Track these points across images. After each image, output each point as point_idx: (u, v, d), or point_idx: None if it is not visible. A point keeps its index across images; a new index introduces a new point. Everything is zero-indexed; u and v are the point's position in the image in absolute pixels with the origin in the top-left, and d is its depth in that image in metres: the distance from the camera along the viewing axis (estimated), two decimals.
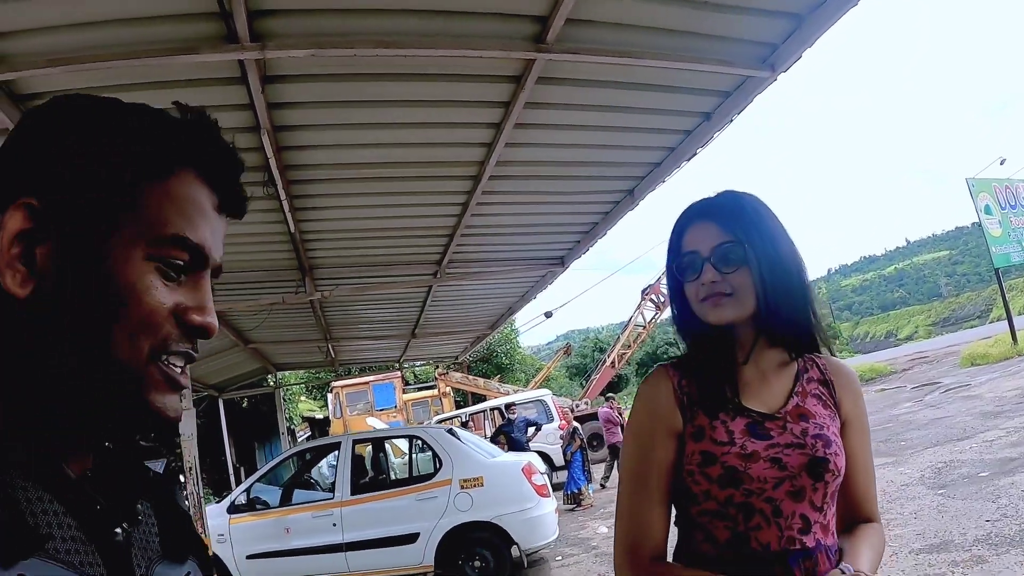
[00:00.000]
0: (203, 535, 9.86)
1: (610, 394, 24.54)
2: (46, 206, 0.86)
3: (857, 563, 1.81)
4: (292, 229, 8.39)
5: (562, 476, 17.96)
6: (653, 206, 9.28)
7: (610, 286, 28.97)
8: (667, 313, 37.37)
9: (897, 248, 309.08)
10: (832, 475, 1.85)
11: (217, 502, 12.07)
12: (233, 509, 10.96)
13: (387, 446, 14.39)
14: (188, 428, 9.96)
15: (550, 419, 22.90)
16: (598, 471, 20.19)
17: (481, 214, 8.97)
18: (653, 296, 35.05)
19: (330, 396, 35.64)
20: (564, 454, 17.63)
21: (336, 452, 11.66)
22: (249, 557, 10.62)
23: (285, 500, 11.18)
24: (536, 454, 13.78)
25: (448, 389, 34.16)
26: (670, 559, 1.97)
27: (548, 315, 29.07)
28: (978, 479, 10.35)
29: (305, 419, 39.58)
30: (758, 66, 6.03)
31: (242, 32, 4.66)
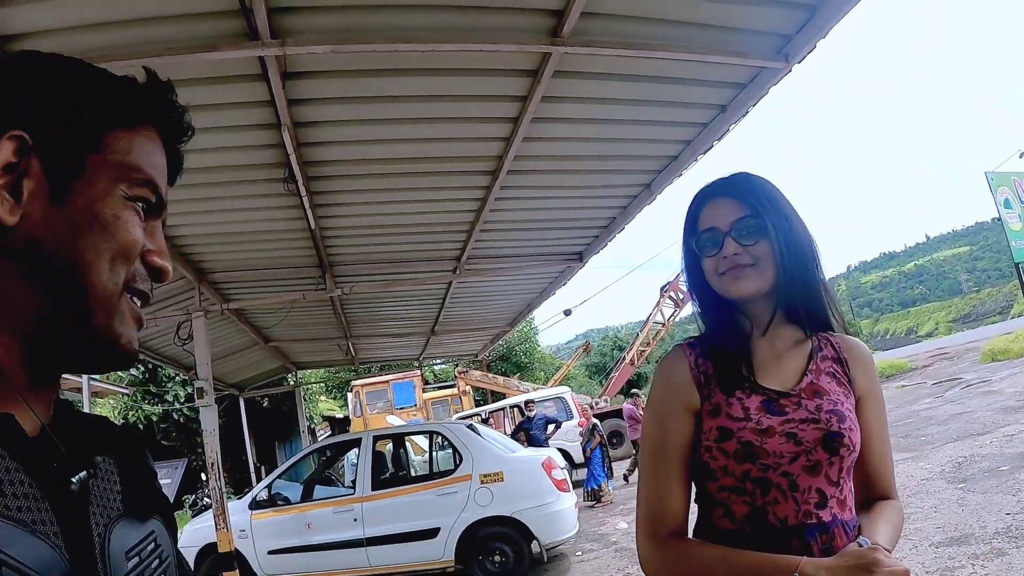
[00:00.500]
0: (226, 531, 9.95)
1: (634, 391, 24.58)
2: (34, 140, 0.90)
3: (874, 537, 1.81)
4: (312, 225, 8.47)
5: (582, 473, 17.93)
6: (670, 203, 9.28)
7: (628, 284, 28.87)
8: (686, 311, 37.43)
9: (917, 244, 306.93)
10: (847, 449, 1.86)
11: (239, 498, 12.12)
12: (255, 505, 11.01)
13: (407, 443, 14.41)
14: (209, 424, 10.02)
15: (570, 416, 22.83)
16: (618, 467, 20.17)
17: (500, 209, 9.02)
18: (672, 293, 34.92)
19: (350, 395, 35.60)
20: (584, 451, 17.56)
21: (357, 448, 11.72)
22: (271, 552, 10.67)
23: (306, 496, 11.23)
24: (556, 451, 13.77)
25: (468, 387, 34.00)
26: (690, 535, 1.98)
27: (567, 313, 29.01)
28: (998, 473, 10.29)
29: (325, 418, 39.64)
30: (773, 57, 6.05)
31: (262, 29, 4.74)
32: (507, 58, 5.67)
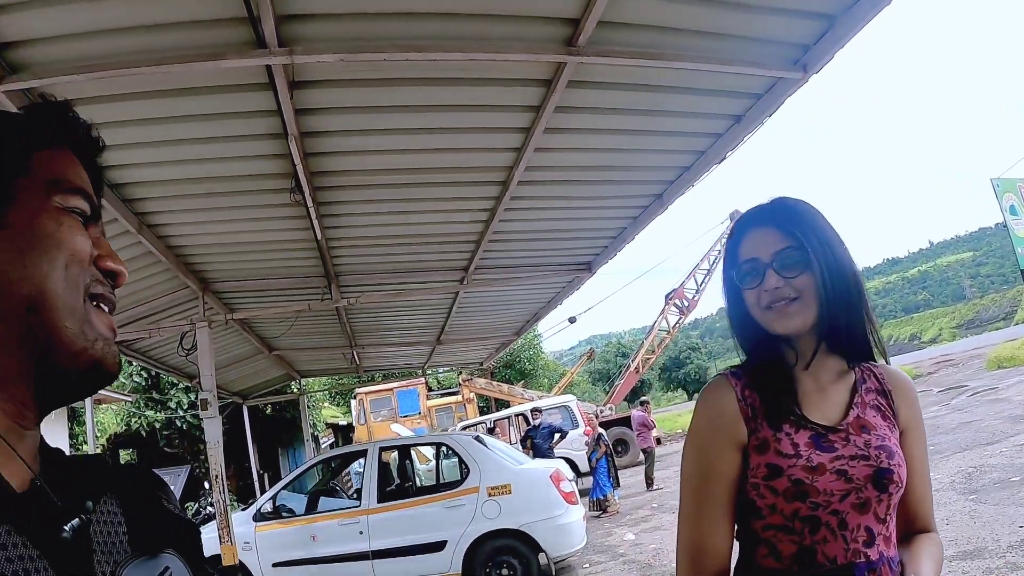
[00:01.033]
0: (230, 544, 9.84)
1: (643, 398, 24.63)
2: None
3: (920, 573, 1.77)
4: (319, 236, 8.35)
5: (587, 482, 17.85)
6: (677, 210, 9.20)
7: (632, 291, 28.93)
8: (690, 318, 37.39)
9: (920, 250, 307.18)
10: (896, 486, 1.81)
11: (243, 509, 12.04)
12: (259, 517, 10.91)
13: (413, 453, 14.32)
14: (213, 436, 9.92)
15: (575, 425, 22.83)
16: (624, 476, 20.12)
17: (509, 220, 8.92)
18: (677, 301, 35.04)
19: (354, 403, 35.62)
20: (589, 460, 17.50)
21: (362, 460, 11.62)
22: (275, 565, 10.56)
23: (311, 508, 11.14)
24: (563, 460, 13.67)
25: (472, 395, 34.04)
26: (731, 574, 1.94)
27: (572, 320, 29.08)
28: (1010, 484, 10.21)
29: (329, 426, 39.60)
30: (789, 67, 5.97)
31: (270, 37, 4.65)
32: (521, 68, 5.58)
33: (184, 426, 26.03)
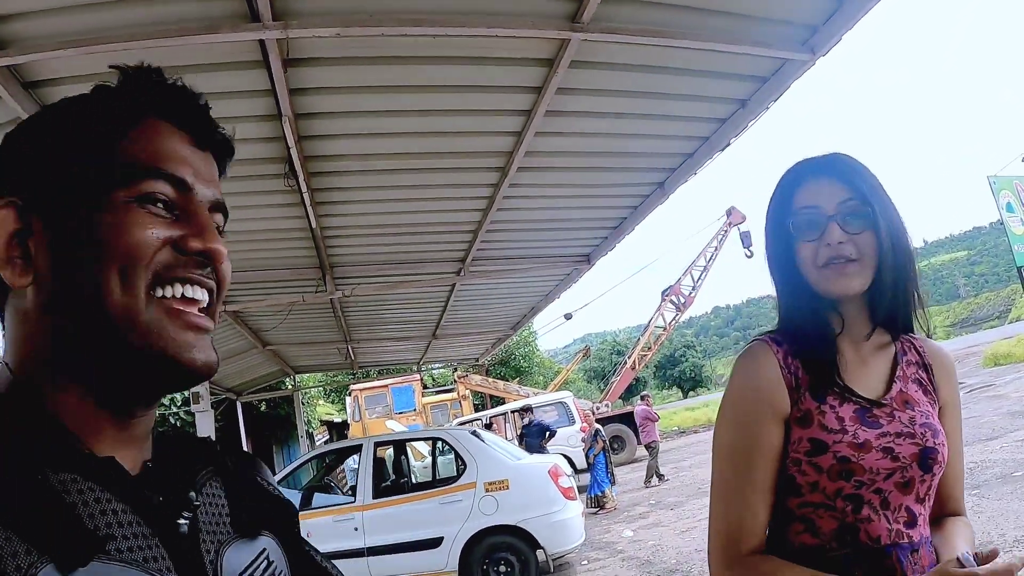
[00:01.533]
0: None
1: (644, 392, 24.77)
2: (28, 200, 0.90)
3: (962, 553, 1.58)
4: (313, 224, 8.23)
5: (583, 479, 17.81)
6: (673, 206, 9.08)
7: (626, 288, 28.94)
8: (687, 315, 37.43)
9: (915, 249, 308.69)
10: (939, 466, 1.72)
11: None
12: None
13: (408, 449, 14.22)
14: (205, 430, 9.79)
15: (571, 421, 22.89)
16: (620, 473, 20.10)
17: (508, 208, 8.79)
18: (674, 297, 35.07)
19: (348, 399, 35.60)
20: (587, 456, 17.52)
21: (357, 455, 11.51)
22: None
23: (305, 504, 10.98)
24: (562, 457, 13.59)
25: (467, 392, 34.03)
26: None
27: (568, 317, 29.03)
28: (1012, 479, 10.25)
29: (323, 422, 39.61)
30: (797, 49, 5.84)
31: (264, 10, 4.50)
32: (522, 46, 5.43)
33: (178, 422, 25.94)
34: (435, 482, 11.48)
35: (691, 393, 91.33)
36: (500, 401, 33.39)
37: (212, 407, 10.02)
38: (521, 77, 5.93)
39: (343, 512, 10.44)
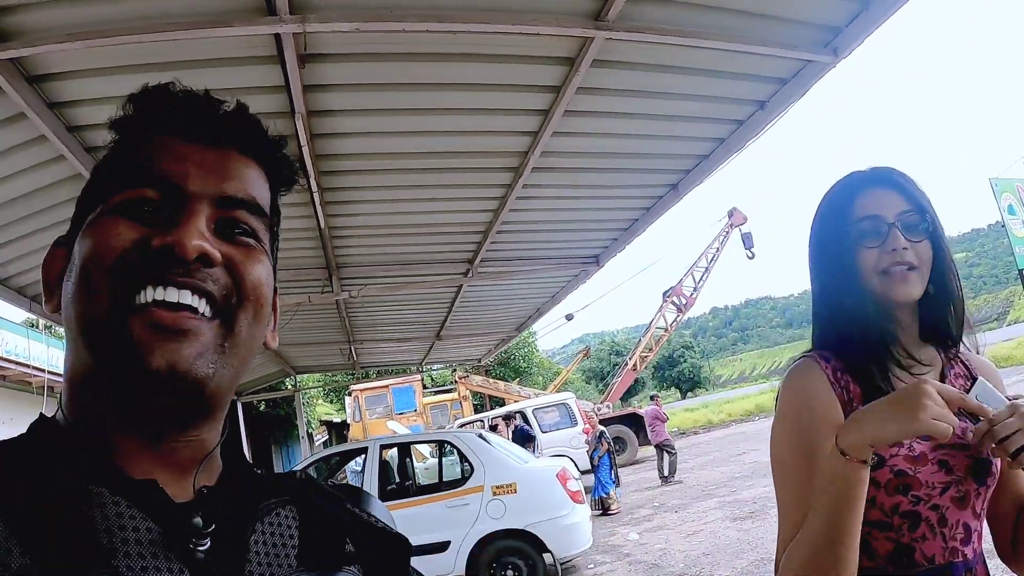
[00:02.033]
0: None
1: (653, 392, 24.90)
2: (68, 241, 0.93)
3: None
4: (322, 224, 8.13)
5: (586, 480, 17.79)
6: (675, 207, 9.00)
7: (625, 289, 28.98)
8: (688, 315, 37.50)
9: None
10: (993, 478, 1.72)
11: None
12: None
13: (413, 451, 14.16)
14: None
15: (574, 423, 22.90)
16: (622, 474, 20.11)
17: (519, 209, 8.69)
18: (675, 299, 35.13)
19: (349, 399, 35.64)
20: (591, 459, 17.50)
21: (360, 458, 11.43)
22: None
23: None
24: (570, 460, 13.53)
25: (467, 392, 34.08)
26: None
27: (569, 317, 28.97)
28: None
29: (323, 423, 39.63)
30: (820, 50, 5.75)
31: (281, 4, 4.37)
32: (544, 44, 5.32)
33: None
34: (441, 485, 11.41)
35: (689, 394, 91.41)
36: (500, 402, 33.45)
37: None
38: (541, 76, 5.84)
39: None
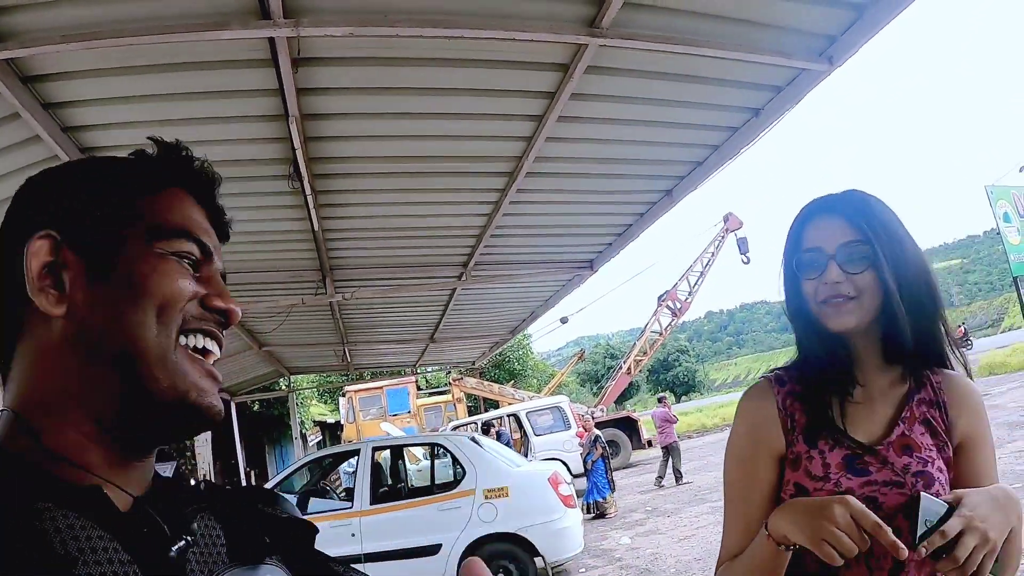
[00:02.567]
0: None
1: (662, 394, 24.97)
2: (64, 235, 0.95)
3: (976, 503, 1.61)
4: (316, 227, 8.14)
5: (579, 484, 17.81)
6: (671, 211, 9.04)
7: (621, 293, 29.04)
8: (683, 319, 37.57)
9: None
10: None
11: None
12: None
13: (405, 454, 14.18)
14: (202, 435, 9.67)
15: (567, 426, 22.93)
16: (618, 477, 20.17)
17: (513, 213, 8.71)
18: (670, 303, 35.21)
19: (342, 400, 35.67)
20: (585, 463, 17.50)
21: (353, 459, 11.43)
22: None
23: (301, 509, 10.86)
24: (562, 464, 13.55)
25: (462, 394, 34.10)
26: None
27: (564, 320, 29.02)
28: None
29: (317, 423, 39.61)
30: (815, 58, 5.78)
31: (275, 7, 4.39)
32: (538, 50, 5.33)
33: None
34: (433, 488, 11.46)
35: (684, 398, 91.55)
36: (494, 404, 33.47)
37: None
38: (535, 81, 5.85)
39: (340, 518, 10.36)
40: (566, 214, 9.21)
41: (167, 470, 1.10)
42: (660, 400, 23.19)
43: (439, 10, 4.73)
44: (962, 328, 53.27)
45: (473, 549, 9.81)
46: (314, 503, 11.26)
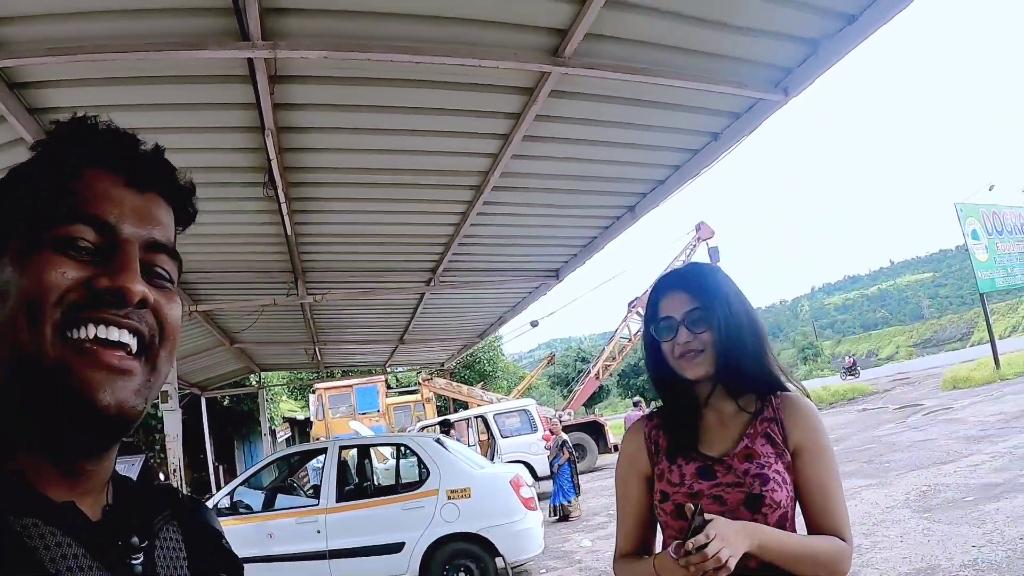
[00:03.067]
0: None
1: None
2: None
3: (758, 531, 2.11)
4: (289, 231, 8.31)
5: (543, 486, 17.89)
6: (644, 218, 9.25)
7: (593, 297, 29.07)
8: None
9: (881, 268, 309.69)
10: (770, 508, 2.17)
11: None
12: (216, 512, 10.74)
13: (372, 453, 14.28)
14: (173, 429, 9.82)
15: (534, 429, 22.92)
16: (584, 481, 20.29)
17: (480, 224, 8.94)
18: (639, 309, 35.07)
19: (312, 397, 35.51)
20: (551, 466, 17.51)
21: (320, 457, 11.56)
22: None
23: (268, 505, 11.02)
24: (524, 467, 13.70)
25: (431, 395, 34.07)
26: None
27: (534, 324, 29.01)
28: (963, 504, 10.40)
29: (286, 420, 39.41)
30: (771, 89, 6.06)
31: (254, 30, 4.58)
32: (504, 74, 5.57)
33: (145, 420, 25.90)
34: (398, 487, 11.55)
35: (653, 403, 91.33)
36: (463, 405, 33.44)
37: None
38: (501, 103, 6.08)
39: (306, 514, 10.44)
40: (532, 226, 9.43)
41: (135, 463, 1.17)
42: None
43: (409, 36, 4.94)
44: (851, 359, 58.17)
45: (436, 548, 9.97)
46: (281, 499, 11.27)
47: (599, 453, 26.43)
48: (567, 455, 17.37)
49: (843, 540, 2.22)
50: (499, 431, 22.97)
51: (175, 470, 9.76)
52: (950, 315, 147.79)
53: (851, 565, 2.22)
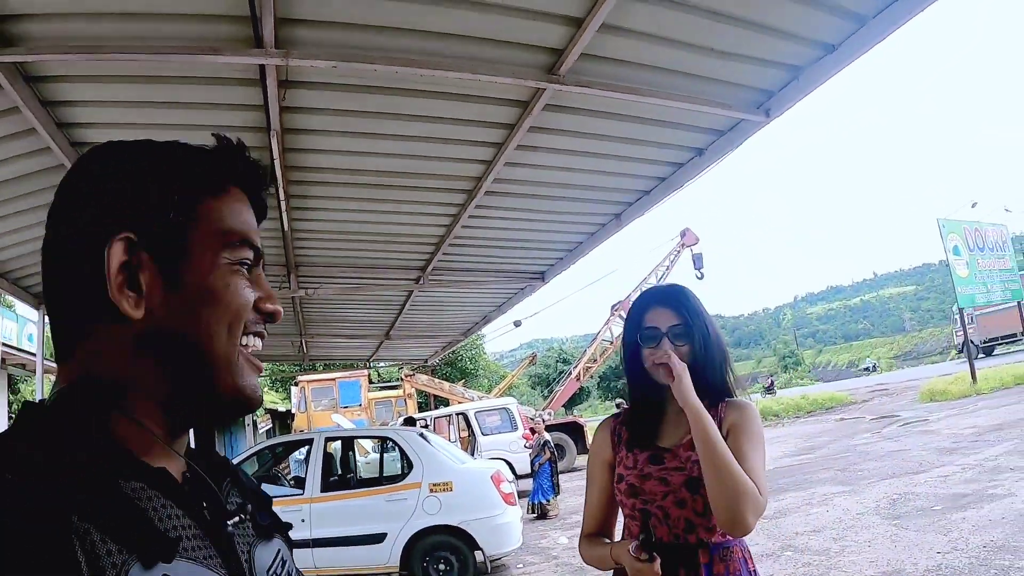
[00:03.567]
0: None
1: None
2: (139, 236, 0.98)
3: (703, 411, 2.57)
4: (285, 227, 8.50)
5: (523, 484, 18.00)
6: (630, 226, 9.47)
7: (577, 299, 29.11)
8: None
9: (864, 280, 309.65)
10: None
11: None
12: None
13: (355, 444, 14.40)
14: None
15: (514, 428, 23.01)
16: (564, 480, 20.38)
17: (471, 226, 9.15)
18: (622, 312, 35.12)
19: (295, 389, 35.51)
20: (532, 464, 17.66)
21: (306, 448, 11.71)
22: None
23: None
24: (505, 464, 13.84)
25: (413, 390, 34.12)
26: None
27: (517, 324, 29.14)
28: (931, 512, 10.60)
29: (267, 411, 39.35)
30: (753, 111, 6.31)
31: (268, 38, 4.74)
32: (501, 88, 5.80)
33: None
34: (382, 479, 11.72)
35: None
36: (444, 402, 33.52)
37: None
38: (497, 114, 6.31)
39: (291, 503, 10.59)
40: (521, 230, 9.64)
41: None
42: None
43: (414, 50, 5.15)
44: (771, 379, 62.68)
45: (417, 539, 10.19)
46: (266, 488, 11.34)
47: (578, 454, 26.54)
48: (548, 454, 17.48)
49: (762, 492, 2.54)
50: (480, 428, 23.09)
51: None
52: (931, 328, 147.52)
53: (756, 517, 2.46)
